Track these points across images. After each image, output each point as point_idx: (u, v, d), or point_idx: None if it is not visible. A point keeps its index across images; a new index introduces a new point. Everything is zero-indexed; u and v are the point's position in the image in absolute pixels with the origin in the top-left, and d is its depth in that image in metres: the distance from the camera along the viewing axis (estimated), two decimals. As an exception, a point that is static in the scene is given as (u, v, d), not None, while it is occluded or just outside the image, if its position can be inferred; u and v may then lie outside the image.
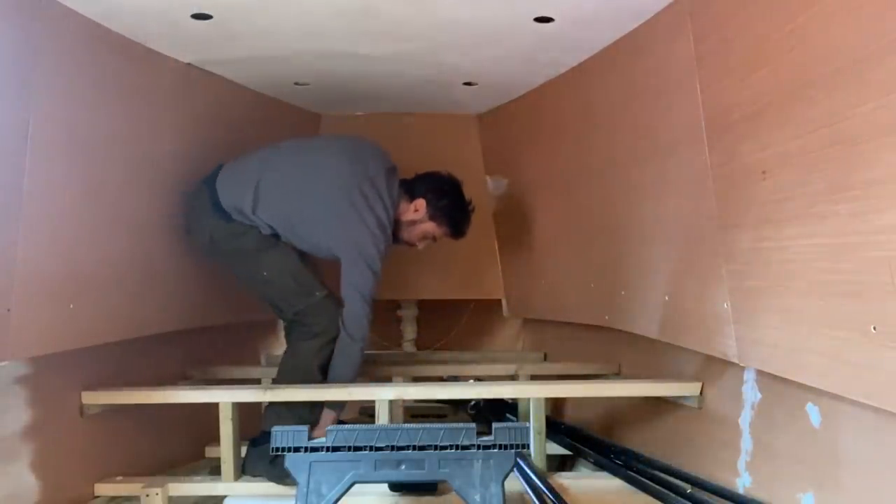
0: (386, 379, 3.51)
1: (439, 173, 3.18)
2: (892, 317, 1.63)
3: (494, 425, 2.10)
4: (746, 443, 2.32)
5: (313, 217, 2.94)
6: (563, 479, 2.67)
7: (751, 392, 2.32)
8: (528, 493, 2.50)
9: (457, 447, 2.08)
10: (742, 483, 2.31)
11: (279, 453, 2.10)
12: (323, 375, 2.93)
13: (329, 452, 2.09)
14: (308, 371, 2.89)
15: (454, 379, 3.74)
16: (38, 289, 2.28)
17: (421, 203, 3.10)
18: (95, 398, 2.67)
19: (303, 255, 3.03)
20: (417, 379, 3.60)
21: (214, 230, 2.95)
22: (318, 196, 2.94)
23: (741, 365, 2.29)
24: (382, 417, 2.78)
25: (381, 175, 3.00)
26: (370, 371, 3.59)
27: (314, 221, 2.95)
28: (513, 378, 3.49)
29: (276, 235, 2.98)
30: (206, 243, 3.00)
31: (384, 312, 4.38)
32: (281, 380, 2.94)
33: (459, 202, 3.20)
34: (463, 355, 4.08)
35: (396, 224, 3.05)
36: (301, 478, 2.07)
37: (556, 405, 3.52)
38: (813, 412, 2.02)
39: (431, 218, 3.14)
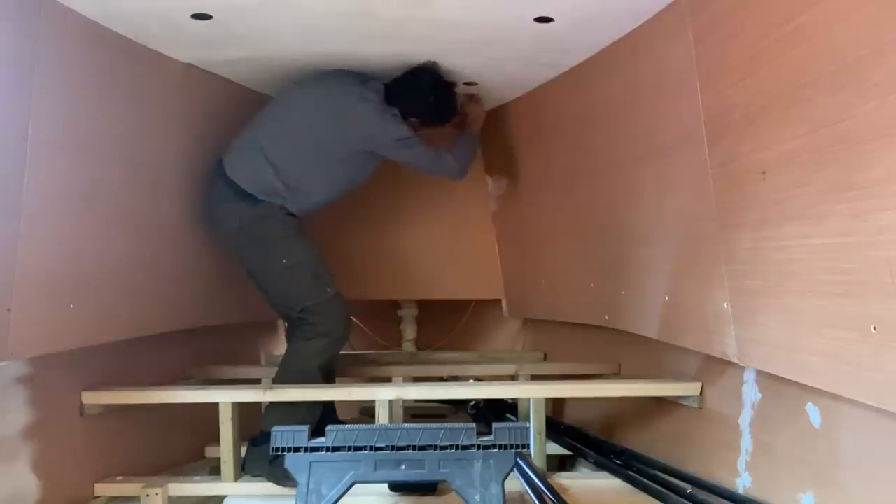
0: (386, 379, 3.51)
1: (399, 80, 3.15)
2: (892, 317, 1.63)
3: (494, 425, 2.10)
4: (746, 443, 2.32)
5: (329, 141, 3.03)
6: (563, 479, 2.67)
7: (751, 392, 2.32)
8: (528, 493, 2.50)
9: (457, 447, 2.08)
10: (742, 483, 2.31)
11: (279, 453, 2.10)
12: (324, 376, 2.93)
13: (329, 452, 2.09)
14: (309, 371, 2.90)
15: (454, 379, 3.74)
16: (39, 289, 2.28)
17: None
18: (95, 398, 2.67)
19: (321, 254, 3.11)
20: (417, 379, 3.60)
21: (243, 215, 3.00)
22: (323, 121, 3.03)
23: (741, 365, 2.29)
24: (382, 417, 2.78)
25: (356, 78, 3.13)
26: (370, 371, 3.60)
27: (334, 144, 3.04)
28: (513, 378, 3.49)
29: (299, 219, 3.05)
30: (235, 230, 3.03)
31: (384, 312, 4.39)
32: (281, 380, 2.95)
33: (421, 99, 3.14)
34: (463, 355, 4.08)
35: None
36: (301, 478, 2.07)
37: (556, 405, 3.51)
38: (813, 412, 2.02)
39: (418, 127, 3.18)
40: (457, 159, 3.25)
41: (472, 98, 3.47)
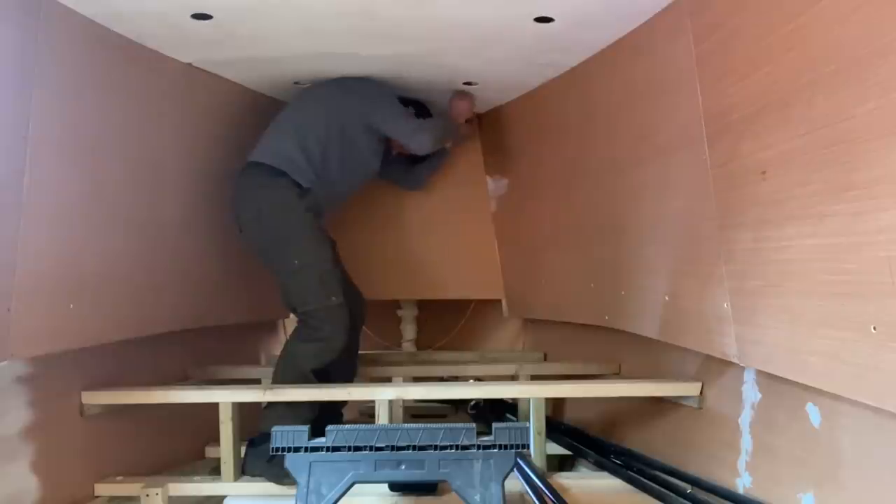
0: (386, 379, 3.51)
1: None
2: (892, 317, 1.63)
3: (494, 425, 2.10)
4: (746, 443, 2.32)
5: (342, 112, 3.21)
6: (563, 479, 2.67)
7: (751, 392, 2.32)
8: (528, 493, 2.50)
9: (457, 447, 2.08)
10: (742, 483, 2.31)
11: (279, 453, 2.10)
12: (318, 379, 2.93)
13: (329, 452, 2.09)
14: (302, 374, 2.90)
15: (454, 379, 3.74)
16: (39, 289, 2.28)
17: None
18: (95, 398, 2.68)
19: (336, 257, 3.16)
20: (417, 379, 3.60)
21: (262, 204, 3.03)
22: (337, 98, 3.23)
23: (741, 365, 2.29)
24: (382, 417, 2.78)
25: None
26: (370, 371, 3.59)
27: (346, 113, 3.22)
28: (513, 378, 3.49)
29: (318, 216, 3.12)
30: (252, 219, 3.06)
31: (384, 312, 4.39)
32: (276, 382, 2.95)
33: None
34: (463, 355, 4.08)
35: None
36: (301, 478, 2.07)
37: (556, 405, 3.51)
38: (813, 412, 2.02)
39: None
40: (429, 137, 3.36)
41: (463, 94, 3.54)
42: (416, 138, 3.32)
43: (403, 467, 2.10)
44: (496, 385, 3.46)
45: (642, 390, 2.85)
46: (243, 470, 2.76)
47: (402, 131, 3.30)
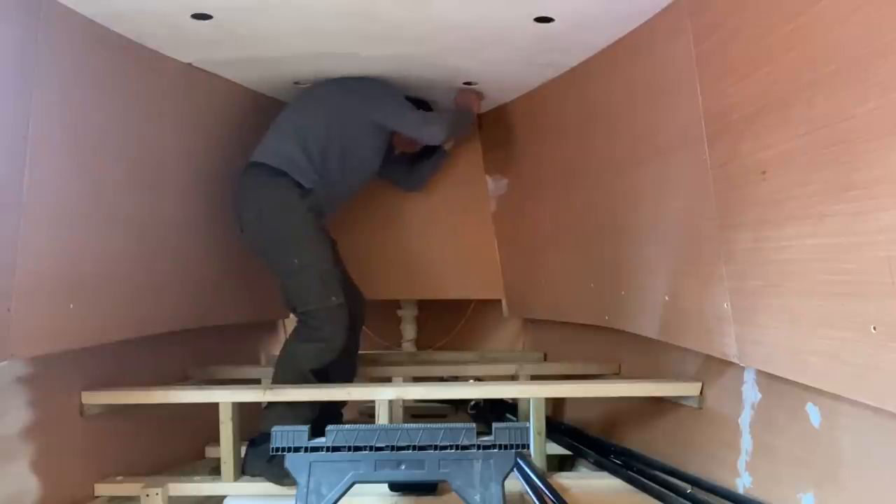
0: (386, 379, 3.51)
1: None
2: (892, 317, 1.63)
3: (494, 425, 2.10)
4: (746, 443, 2.32)
5: (343, 112, 3.20)
6: (563, 479, 2.67)
7: (751, 392, 2.32)
8: (528, 493, 2.50)
9: (457, 447, 2.08)
10: (742, 483, 2.31)
11: (279, 453, 2.10)
12: (317, 380, 2.93)
13: (329, 452, 2.09)
14: (301, 374, 2.90)
15: (454, 379, 3.74)
16: (39, 288, 2.28)
17: None
18: (95, 398, 2.68)
19: (337, 257, 3.17)
20: (417, 379, 3.60)
21: (262, 204, 3.03)
22: (337, 98, 3.22)
23: (741, 365, 2.29)
24: (382, 417, 2.78)
25: None
26: (370, 371, 3.59)
27: (347, 113, 3.21)
28: (513, 378, 3.49)
29: (320, 217, 3.12)
30: (253, 219, 3.06)
31: (384, 312, 4.39)
32: (276, 382, 2.95)
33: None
34: (463, 355, 4.08)
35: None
36: (301, 478, 2.08)
37: (556, 405, 3.51)
38: (813, 412, 2.02)
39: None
40: (441, 127, 3.35)
41: (470, 90, 3.55)
42: (426, 130, 3.32)
43: (403, 467, 2.10)
44: (496, 385, 3.46)
45: (642, 390, 2.85)
46: (243, 470, 2.76)
47: (411, 124, 3.30)
